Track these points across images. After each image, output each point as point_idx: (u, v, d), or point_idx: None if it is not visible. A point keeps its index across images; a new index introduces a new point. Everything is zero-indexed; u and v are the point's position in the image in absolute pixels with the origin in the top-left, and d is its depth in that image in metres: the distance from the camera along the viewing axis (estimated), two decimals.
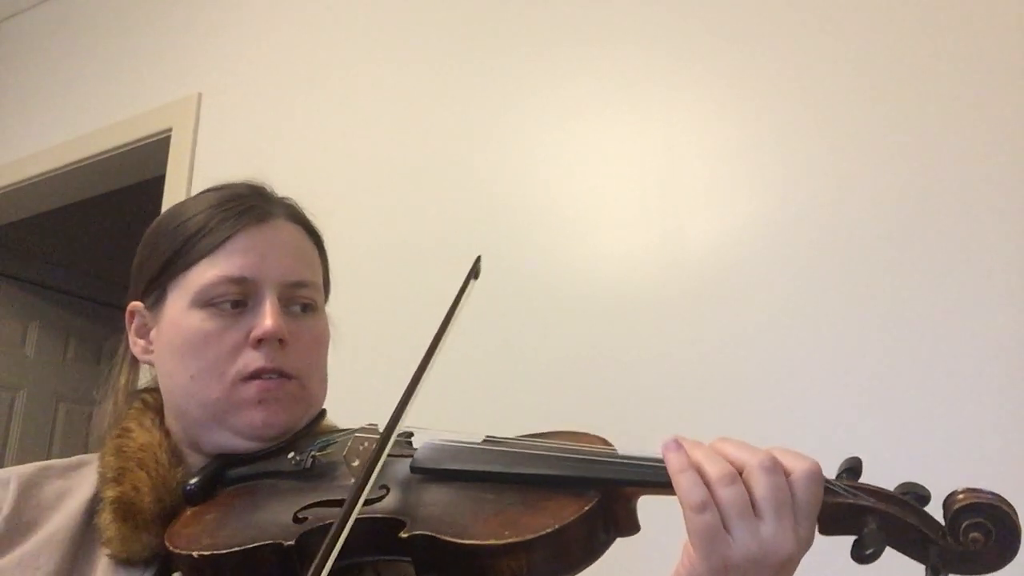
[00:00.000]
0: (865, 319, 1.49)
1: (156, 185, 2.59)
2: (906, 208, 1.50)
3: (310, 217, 1.00)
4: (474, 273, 0.86)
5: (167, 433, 0.90)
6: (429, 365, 0.77)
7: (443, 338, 0.79)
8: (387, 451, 0.73)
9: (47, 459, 0.96)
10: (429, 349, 0.78)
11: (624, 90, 1.85)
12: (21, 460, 3.54)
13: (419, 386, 0.76)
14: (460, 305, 0.82)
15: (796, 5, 1.70)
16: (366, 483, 0.70)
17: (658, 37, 1.84)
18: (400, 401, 0.75)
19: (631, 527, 0.73)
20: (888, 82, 1.58)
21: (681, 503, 0.65)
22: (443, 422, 0.80)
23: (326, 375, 0.95)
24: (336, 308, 2.18)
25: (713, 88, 1.75)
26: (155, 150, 2.69)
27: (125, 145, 2.75)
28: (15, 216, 3.25)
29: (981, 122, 1.48)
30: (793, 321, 1.55)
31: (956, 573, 0.64)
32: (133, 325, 0.95)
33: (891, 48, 1.59)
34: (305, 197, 2.29)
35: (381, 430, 0.84)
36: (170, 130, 2.64)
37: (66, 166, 2.88)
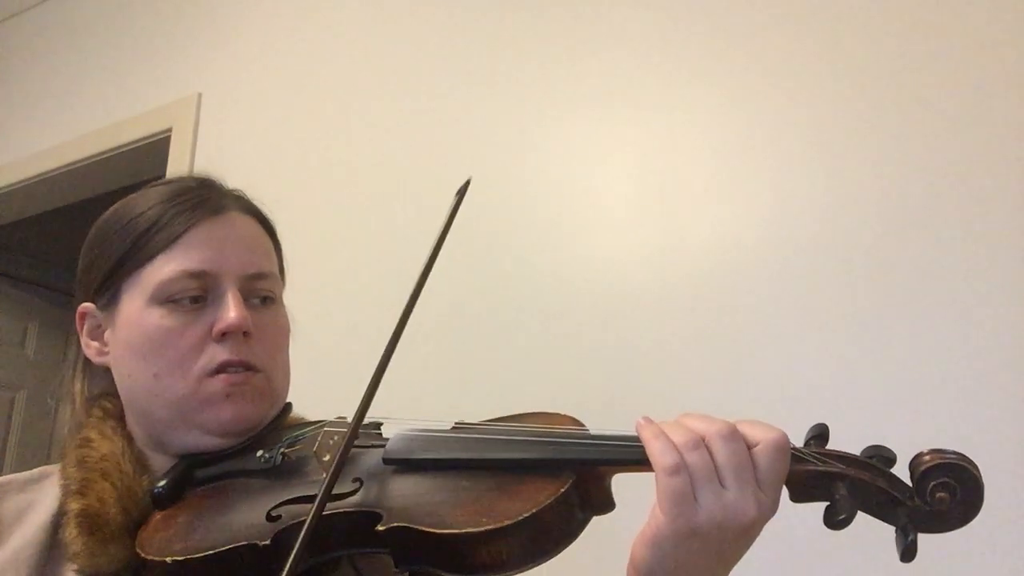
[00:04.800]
0: (862, 318, 1.49)
1: None
2: (903, 208, 1.51)
3: (261, 207, 0.97)
4: (462, 193, 0.85)
5: (129, 439, 0.88)
6: (398, 342, 0.77)
7: (412, 308, 0.79)
8: (355, 443, 0.72)
9: (47, 459, 0.94)
10: (400, 321, 0.78)
11: (624, 92, 1.86)
12: (21, 460, 3.55)
13: (386, 369, 0.75)
14: (448, 231, 0.81)
15: (796, 7, 1.71)
16: (335, 479, 0.69)
17: (657, 37, 1.85)
18: (367, 389, 0.74)
19: (607, 505, 0.74)
20: (887, 83, 1.58)
21: (655, 466, 0.67)
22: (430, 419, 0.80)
23: (289, 368, 0.94)
24: (328, 301, 2.19)
25: (713, 88, 1.76)
26: (155, 150, 2.70)
27: (125, 145, 2.76)
28: (15, 216, 3.26)
29: (979, 122, 1.48)
30: (791, 320, 1.55)
31: (925, 532, 0.65)
32: (85, 327, 0.92)
33: (891, 49, 1.59)
34: (304, 196, 2.31)
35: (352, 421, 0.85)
36: (170, 130, 2.65)
37: (66, 166, 2.89)
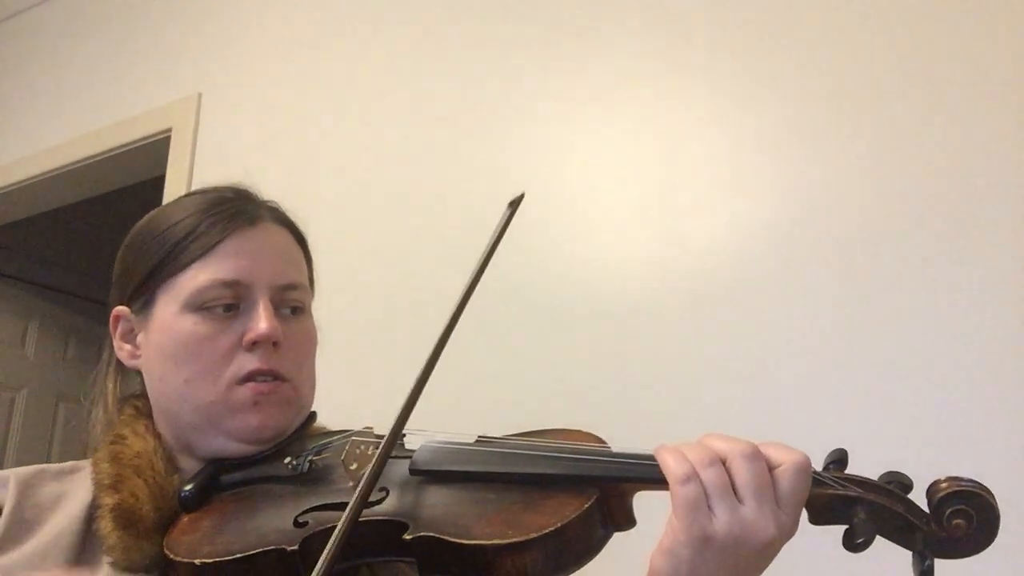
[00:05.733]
0: (861, 318, 1.50)
1: (156, 185, 2.61)
2: (902, 209, 1.52)
3: (294, 219, 1.00)
4: (514, 206, 0.87)
5: (160, 438, 0.90)
6: (437, 360, 0.77)
7: (456, 322, 0.79)
8: (391, 453, 0.74)
9: (47, 459, 0.95)
10: (441, 337, 0.79)
11: (624, 94, 1.86)
12: (21, 460, 3.54)
13: (426, 384, 0.76)
14: (495, 248, 0.83)
15: (792, 9, 1.71)
16: (372, 486, 0.70)
17: (656, 40, 1.85)
18: (407, 402, 0.75)
19: (628, 522, 0.75)
20: (885, 83, 1.59)
21: (667, 476, 0.68)
22: (439, 425, 0.80)
23: (314, 377, 0.96)
24: (334, 307, 2.20)
25: (711, 91, 1.76)
26: (155, 150, 2.70)
27: (125, 145, 2.76)
28: (15, 216, 3.26)
29: (976, 123, 1.49)
30: (791, 321, 1.56)
31: (941, 557, 0.66)
32: (118, 330, 0.94)
33: (887, 50, 1.60)
34: (305, 197, 2.31)
35: (378, 432, 0.85)
36: (170, 130, 2.65)
37: (66, 166, 2.89)
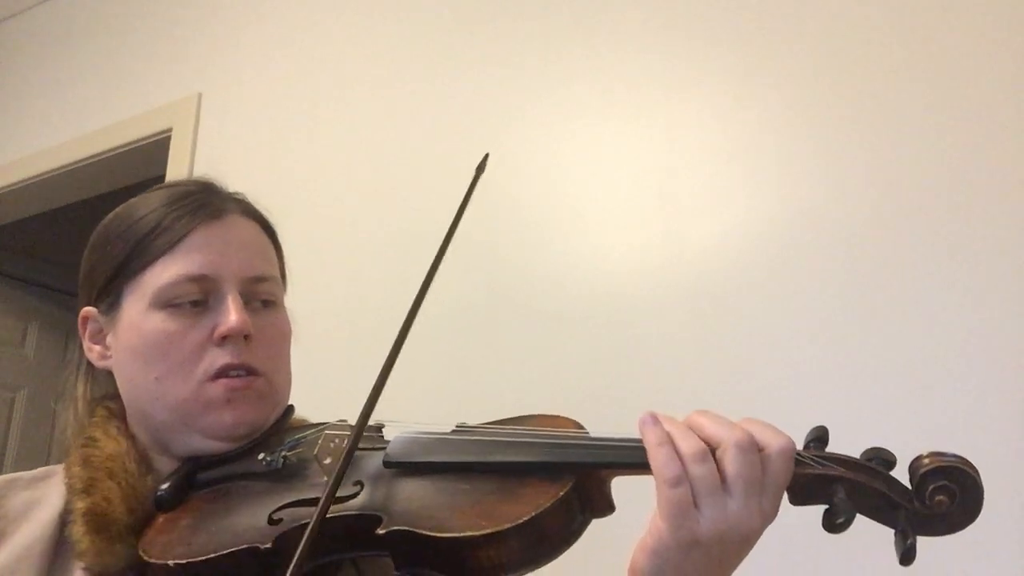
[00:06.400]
0: (862, 317, 1.49)
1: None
2: (900, 209, 1.51)
3: (262, 211, 0.98)
4: (481, 168, 0.87)
5: (133, 440, 0.88)
6: (399, 351, 0.76)
7: (416, 313, 0.78)
8: (357, 447, 0.72)
9: (47, 459, 0.93)
10: (404, 325, 0.78)
11: (624, 92, 1.86)
12: (21, 460, 3.52)
13: (389, 375, 0.75)
14: (465, 208, 0.83)
15: (794, 9, 1.71)
16: (338, 482, 0.69)
17: (658, 40, 1.85)
18: (370, 395, 0.74)
19: (606, 508, 0.74)
20: (884, 84, 1.58)
21: (656, 476, 0.66)
22: (434, 418, 0.80)
23: (290, 370, 0.94)
24: (329, 300, 2.19)
25: (712, 90, 1.76)
26: (155, 150, 2.70)
27: (125, 145, 2.76)
28: (15, 216, 3.26)
29: (976, 123, 1.48)
30: (792, 320, 1.55)
31: (924, 535, 0.65)
32: (87, 331, 0.93)
33: (891, 47, 1.60)
34: (306, 195, 2.31)
35: (352, 424, 0.84)
36: (170, 130, 2.65)
37: (66, 166, 2.89)
